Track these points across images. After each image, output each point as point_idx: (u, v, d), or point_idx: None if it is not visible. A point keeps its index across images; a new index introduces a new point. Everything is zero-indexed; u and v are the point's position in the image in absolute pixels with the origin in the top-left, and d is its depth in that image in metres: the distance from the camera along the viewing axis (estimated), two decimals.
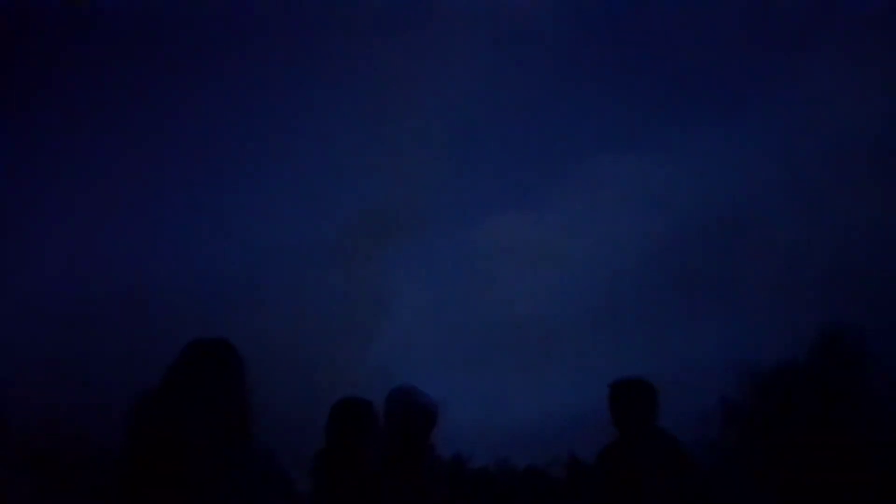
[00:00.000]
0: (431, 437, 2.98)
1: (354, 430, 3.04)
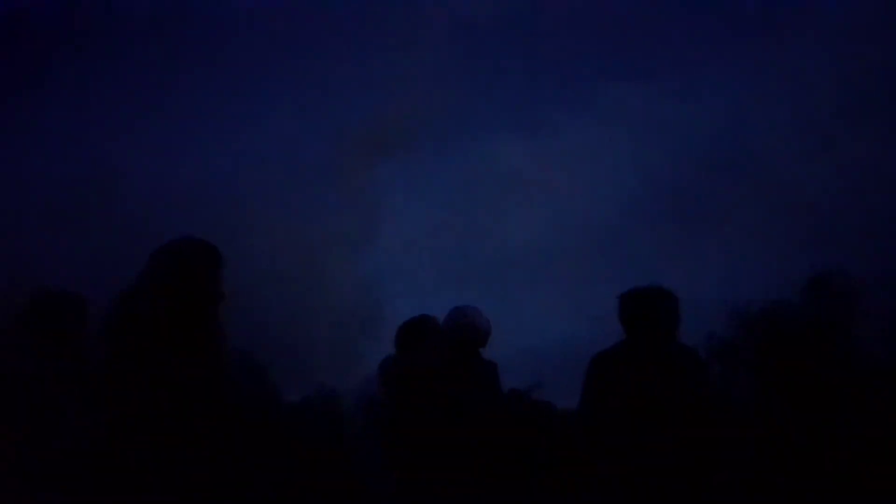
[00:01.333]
0: (481, 350, 3.48)
1: (418, 343, 3.60)
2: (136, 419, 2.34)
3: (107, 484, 2.29)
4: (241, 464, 2.43)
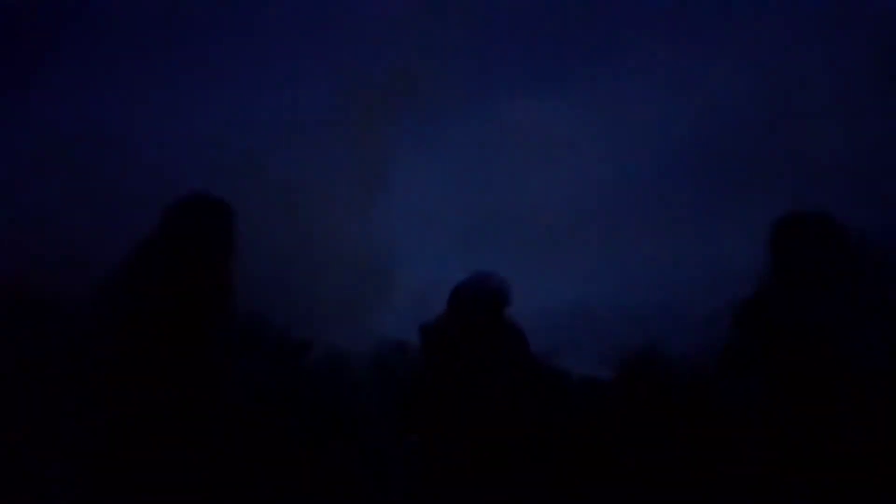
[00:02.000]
0: (504, 313, 3.54)
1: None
2: (141, 397, 2.32)
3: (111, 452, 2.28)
4: (245, 433, 2.41)
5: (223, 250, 2.58)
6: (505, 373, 3.38)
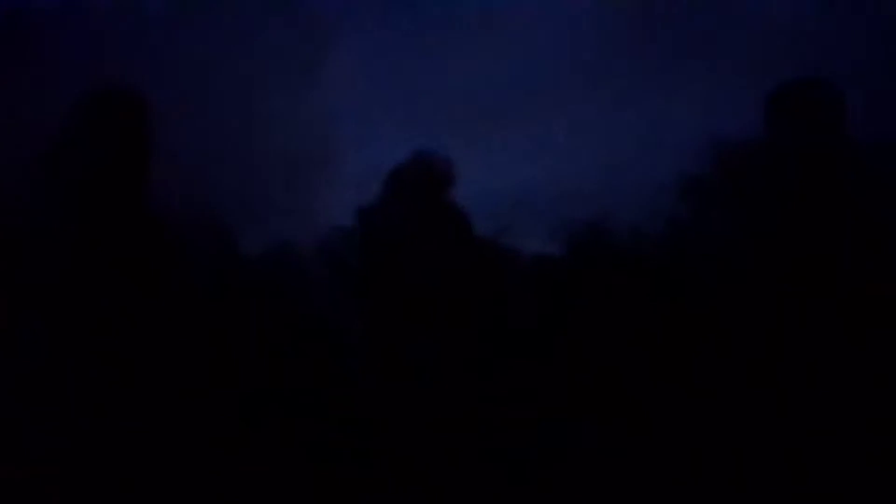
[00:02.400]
0: (446, 194, 3.42)
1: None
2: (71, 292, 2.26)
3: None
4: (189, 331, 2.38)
5: (136, 149, 2.45)
6: (446, 255, 3.36)
